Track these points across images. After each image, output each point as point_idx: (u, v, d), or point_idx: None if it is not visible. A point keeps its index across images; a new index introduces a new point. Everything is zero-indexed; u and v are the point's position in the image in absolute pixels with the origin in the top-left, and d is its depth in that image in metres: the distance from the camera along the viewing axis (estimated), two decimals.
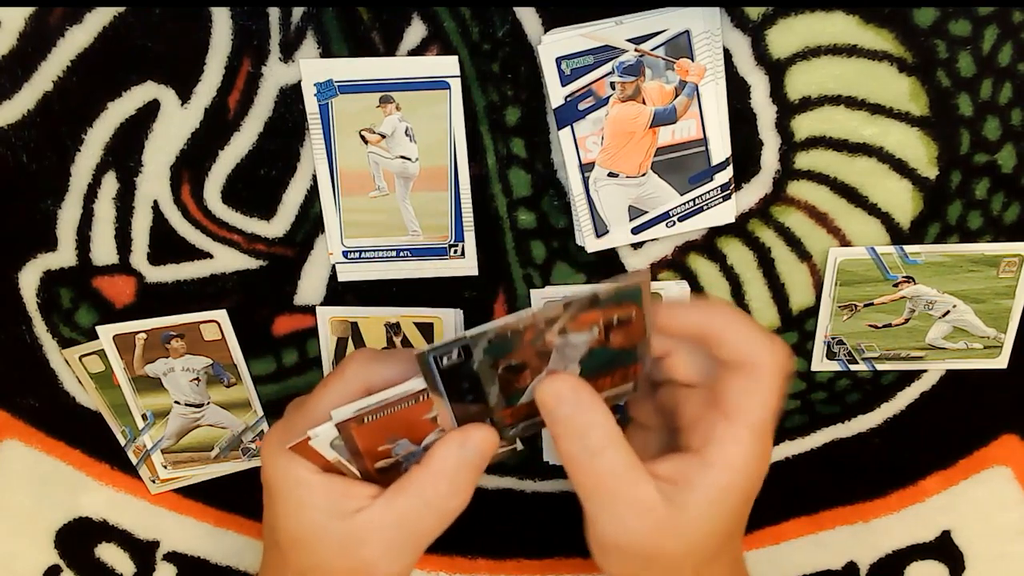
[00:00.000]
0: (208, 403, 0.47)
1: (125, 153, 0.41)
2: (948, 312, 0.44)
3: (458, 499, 0.34)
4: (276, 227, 0.43)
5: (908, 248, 0.43)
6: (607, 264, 0.44)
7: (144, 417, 0.47)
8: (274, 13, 0.39)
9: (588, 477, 0.33)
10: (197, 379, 0.46)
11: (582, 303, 0.31)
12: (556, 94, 0.39)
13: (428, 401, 0.33)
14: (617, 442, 0.33)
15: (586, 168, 0.41)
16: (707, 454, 0.33)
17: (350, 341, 0.45)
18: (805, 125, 0.41)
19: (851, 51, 0.39)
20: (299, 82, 0.40)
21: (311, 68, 0.39)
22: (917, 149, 0.41)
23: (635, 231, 0.42)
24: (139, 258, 0.44)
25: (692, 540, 0.33)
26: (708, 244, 0.43)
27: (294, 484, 0.34)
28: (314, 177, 0.42)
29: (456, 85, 0.40)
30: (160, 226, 0.43)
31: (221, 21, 0.39)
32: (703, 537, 0.33)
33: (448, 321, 0.44)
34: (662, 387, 0.37)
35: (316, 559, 0.34)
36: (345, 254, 0.43)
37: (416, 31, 0.39)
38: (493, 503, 0.49)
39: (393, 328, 0.44)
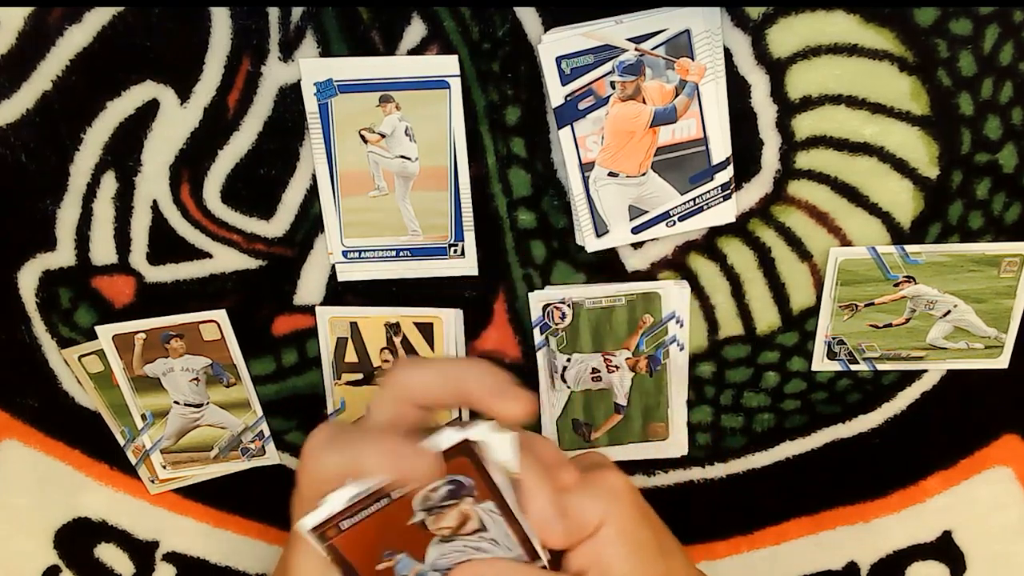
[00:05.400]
0: (207, 403, 0.47)
1: (124, 153, 0.41)
2: (949, 312, 0.44)
3: None
4: (276, 227, 0.43)
5: (909, 248, 0.42)
6: (607, 264, 0.43)
7: (143, 417, 0.47)
8: (273, 12, 0.39)
9: None
10: (196, 379, 0.46)
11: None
12: (556, 93, 0.39)
13: (405, 501, 0.30)
14: None
15: (586, 168, 0.40)
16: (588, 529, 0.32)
17: (350, 341, 0.45)
18: (806, 124, 0.41)
19: (852, 50, 0.39)
20: (299, 81, 0.40)
21: (311, 67, 0.39)
22: (918, 149, 0.41)
23: (635, 231, 0.42)
24: (138, 258, 0.43)
25: None
26: (708, 244, 0.43)
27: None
28: (314, 177, 0.42)
29: (456, 85, 0.40)
30: (159, 226, 0.43)
31: (220, 20, 0.39)
32: None
33: (448, 321, 0.44)
34: None
35: None
36: (345, 254, 0.43)
37: (416, 30, 0.39)
38: None
39: (393, 328, 0.44)
